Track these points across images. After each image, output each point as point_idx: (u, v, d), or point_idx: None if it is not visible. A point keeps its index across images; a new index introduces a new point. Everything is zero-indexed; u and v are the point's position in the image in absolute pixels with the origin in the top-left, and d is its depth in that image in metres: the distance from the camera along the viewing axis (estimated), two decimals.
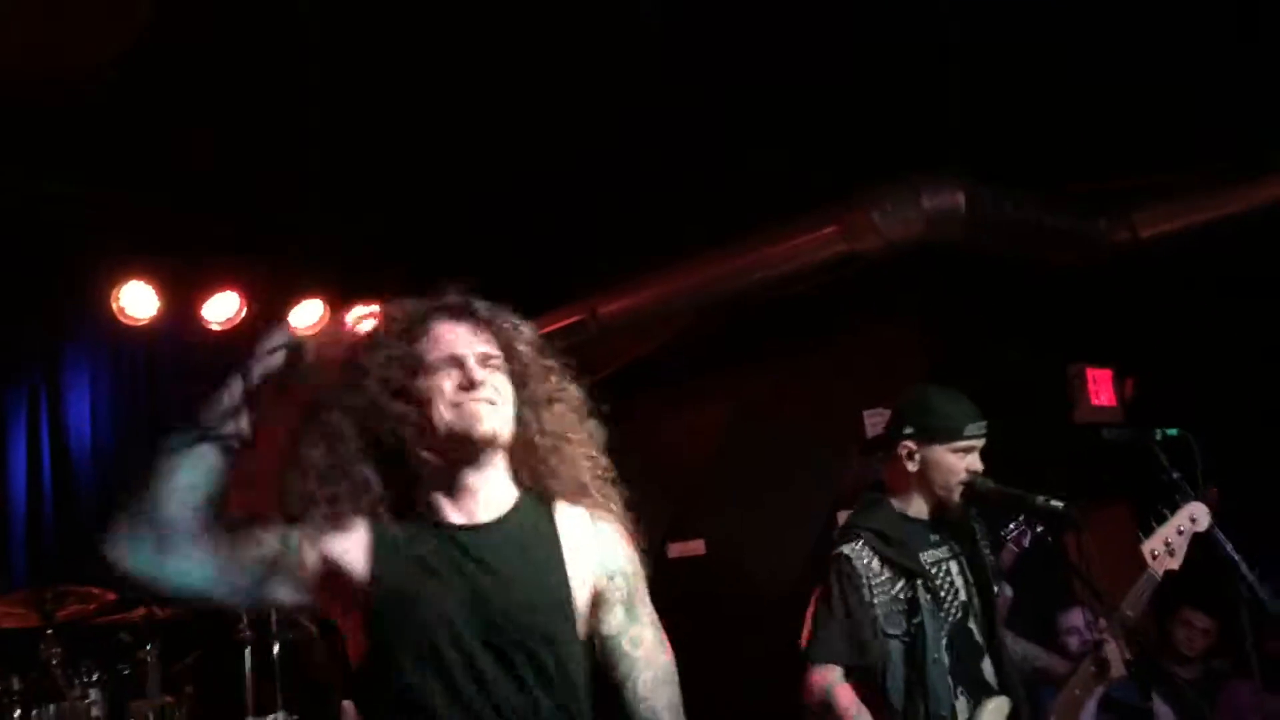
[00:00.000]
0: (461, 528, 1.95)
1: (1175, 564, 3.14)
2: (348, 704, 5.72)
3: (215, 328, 6.10)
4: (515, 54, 4.84)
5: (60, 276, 5.77)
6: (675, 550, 6.29)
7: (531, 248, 6.17)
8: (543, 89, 5.04)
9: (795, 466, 5.85)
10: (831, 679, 2.84)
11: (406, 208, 6.01)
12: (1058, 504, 2.93)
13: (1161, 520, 3.17)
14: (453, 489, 1.97)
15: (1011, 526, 3.60)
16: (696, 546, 6.22)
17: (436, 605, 1.85)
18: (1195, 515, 3.17)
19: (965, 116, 4.67)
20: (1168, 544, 3.13)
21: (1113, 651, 3.04)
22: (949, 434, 3.00)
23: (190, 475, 1.87)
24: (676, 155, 5.39)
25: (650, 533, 7.30)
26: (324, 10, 4.50)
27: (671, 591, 7.12)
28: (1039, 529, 3.62)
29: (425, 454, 1.95)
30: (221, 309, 6.10)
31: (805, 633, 2.96)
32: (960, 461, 3.01)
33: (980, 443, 3.06)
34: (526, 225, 6.09)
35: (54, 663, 4.00)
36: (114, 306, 5.79)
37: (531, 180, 5.84)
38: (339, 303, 6.50)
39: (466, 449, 1.95)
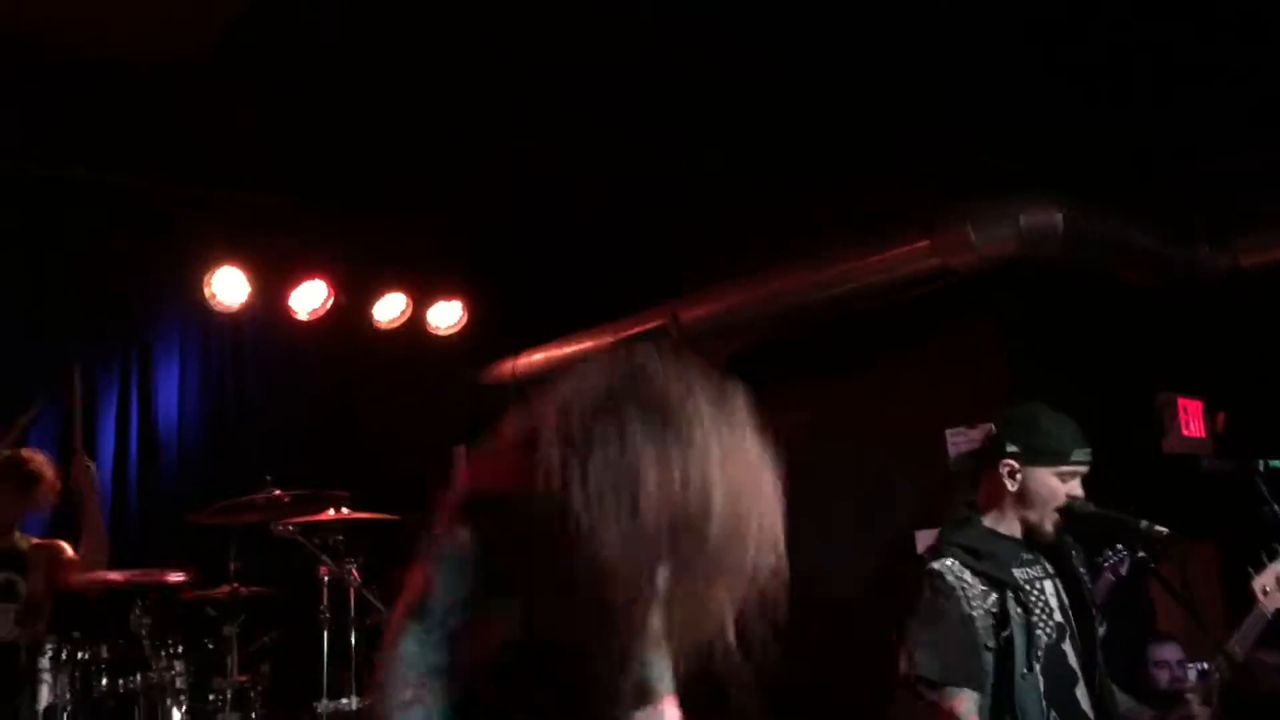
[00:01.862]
0: None
1: None
2: None
3: (302, 317, 6.22)
4: (603, 56, 4.87)
5: (155, 262, 5.91)
6: None
7: (617, 250, 6.20)
8: (629, 92, 5.07)
9: (871, 482, 5.80)
10: (965, 707, 2.74)
11: (491, 206, 6.07)
12: (1163, 530, 2.86)
13: (1274, 556, 3.06)
14: None
15: (1109, 554, 3.50)
16: None
17: None
18: None
19: (1066, 131, 4.62)
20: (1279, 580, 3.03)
21: (1200, 712, 2.95)
22: (1055, 456, 2.92)
23: None
24: (767, 162, 5.39)
25: None
26: (415, 6, 4.58)
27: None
28: (1139, 556, 3.51)
29: None
30: (309, 299, 6.21)
31: (908, 659, 2.86)
32: (1062, 486, 2.93)
33: (1084, 469, 2.98)
34: (612, 227, 6.12)
35: (142, 634, 4.07)
36: (205, 293, 5.91)
37: (618, 183, 5.87)
38: (424, 297, 6.60)
39: None
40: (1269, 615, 3.00)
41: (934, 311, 5.40)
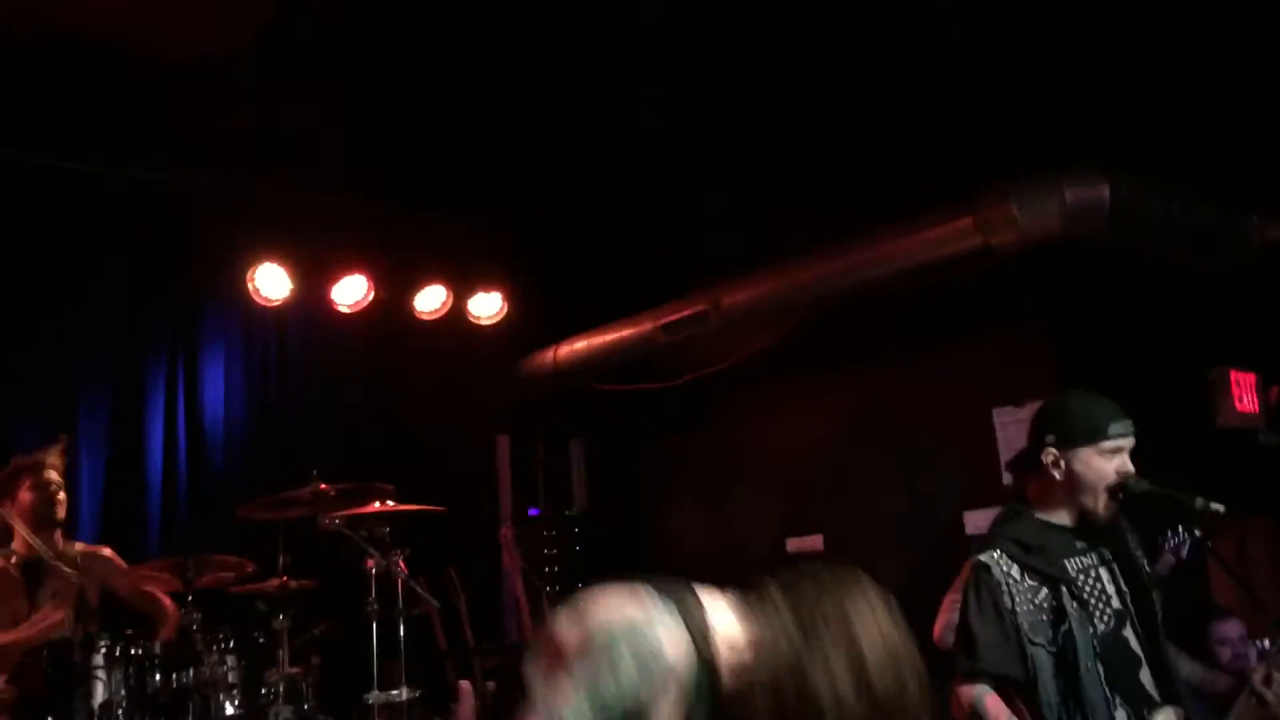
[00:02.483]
0: None
1: None
2: (464, 683, 5.81)
3: (344, 310, 6.26)
4: (639, 47, 4.84)
5: (199, 257, 5.97)
6: (793, 545, 6.24)
7: (657, 236, 6.17)
8: (671, 79, 5.03)
9: (918, 463, 5.75)
10: (977, 691, 2.76)
11: (530, 197, 6.07)
12: (1219, 507, 2.81)
13: None
14: None
15: (1171, 536, 3.44)
16: (815, 541, 6.16)
17: None
18: None
19: (1111, 105, 4.53)
20: None
21: (1275, 683, 2.90)
22: (1092, 435, 2.88)
23: None
24: (809, 145, 5.33)
25: (768, 526, 7.32)
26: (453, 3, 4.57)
27: None
28: (1196, 534, 3.45)
29: None
30: (350, 292, 6.25)
31: (940, 635, 2.88)
32: (1108, 464, 2.90)
33: (1128, 443, 2.94)
34: (652, 213, 6.09)
35: (194, 628, 4.12)
36: (249, 287, 5.97)
37: (657, 169, 5.84)
38: (464, 288, 6.62)
39: None
40: None
41: (980, 291, 5.33)
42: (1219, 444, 5.15)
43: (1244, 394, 5.46)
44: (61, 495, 4.46)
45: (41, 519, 4.41)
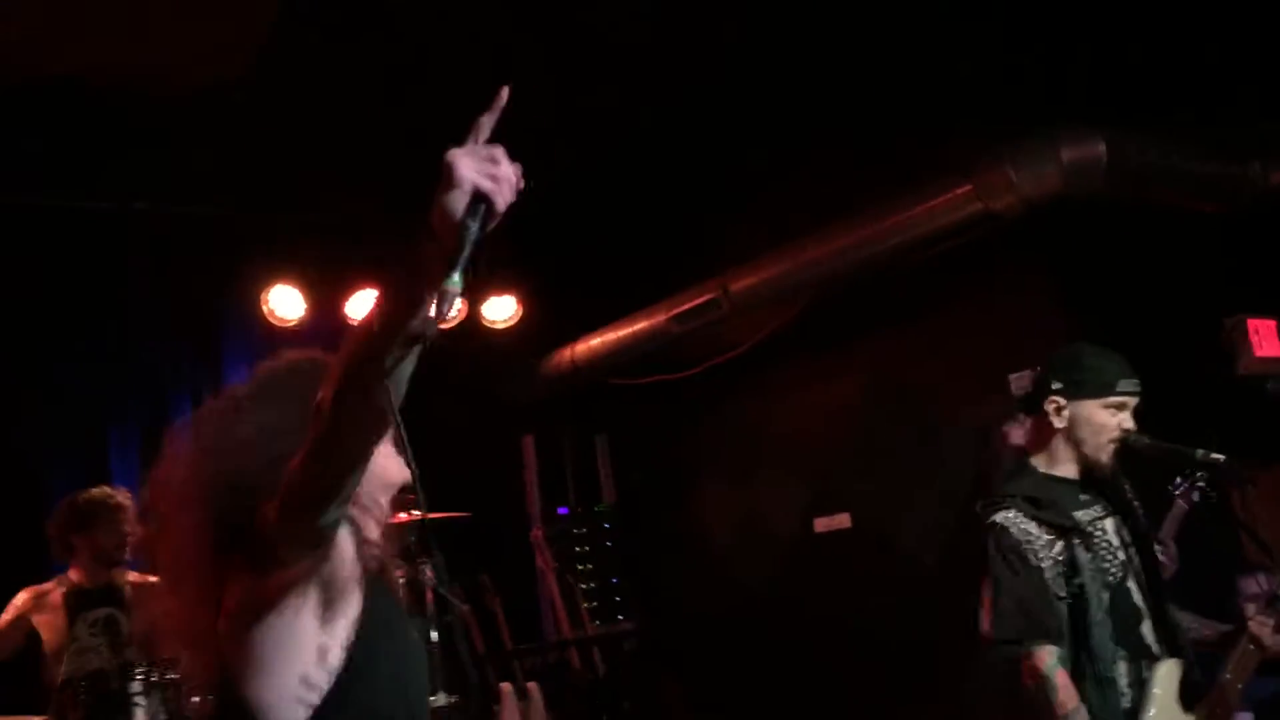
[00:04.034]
0: None
1: None
2: (505, 685, 5.87)
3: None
4: (640, 32, 4.86)
5: (218, 284, 6.06)
6: (821, 525, 6.24)
7: (664, 228, 6.19)
8: (671, 63, 5.05)
9: (939, 434, 5.74)
10: (1050, 663, 2.75)
11: (535, 199, 6.10)
12: (1218, 456, 2.81)
13: None
14: None
15: (1179, 481, 3.41)
16: (842, 520, 6.16)
17: None
18: None
19: (1101, 58, 4.49)
20: None
21: (1262, 626, 2.90)
22: (1100, 389, 2.90)
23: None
24: (802, 125, 5.34)
25: (795, 508, 7.31)
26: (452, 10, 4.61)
27: (820, 566, 7.12)
28: (1202, 485, 3.42)
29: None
30: (364, 307, 6.31)
31: (987, 620, 2.86)
32: (1112, 418, 2.92)
33: (1134, 400, 2.95)
34: (657, 206, 6.11)
35: None
36: (264, 310, 6.05)
37: (660, 161, 5.86)
38: (478, 295, 6.67)
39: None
40: None
41: (988, 257, 5.30)
42: (1241, 393, 5.10)
43: (1263, 340, 5.40)
44: (132, 536, 4.55)
45: (110, 559, 4.54)
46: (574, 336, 6.88)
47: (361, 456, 1.59)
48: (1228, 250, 5.10)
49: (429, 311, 1.40)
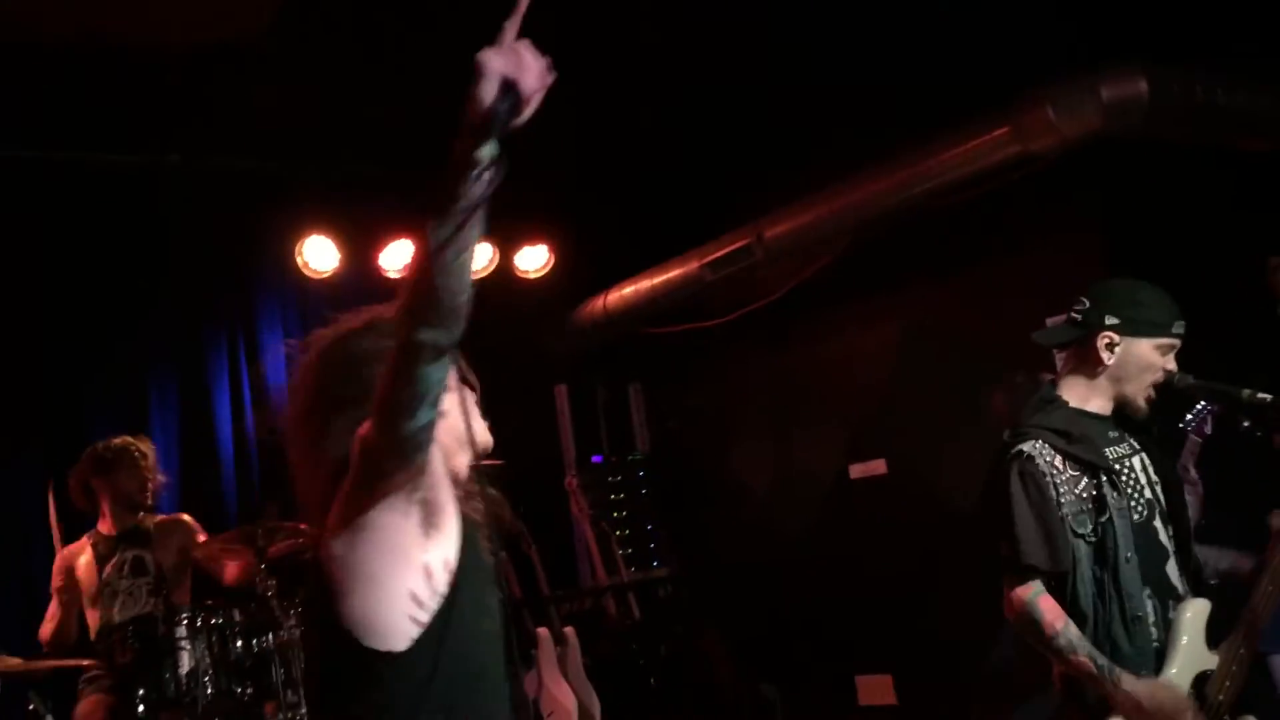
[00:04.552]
0: None
1: None
2: (542, 630, 5.93)
3: (393, 275, 6.33)
4: None
5: (250, 238, 6.08)
6: (856, 471, 6.24)
7: (697, 175, 6.14)
8: (703, 13, 4.98)
9: (975, 380, 5.68)
10: (1031, 592, 2.73)
11: (566, 147, 6.06)
12: (1265, 396, 2.77)
13: None
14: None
15: (1190, 417, 3.34)
16: (878, 466, 6.15)
17: None
18: None
19: None
20: None
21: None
22: (1156, 328, 2.85)
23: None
24: (834, 70, 5.25)
25: (830, 454, 7.29)
26: None
27: (855, 512, 7.11)
28: (1211, 408, 3.34)
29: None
30: (398, 257, 6.32)
31: (1007, 544, 2.83)
32: (1160, 359, 2.87)
33: (1179, 343, 2.91)
34: (690, 152, 6.06)
35: (269, 595, 4.26)
36: (298, 261, 6.07)
37: (693, 107, 5.79)
38: (510, 245, 6.65)
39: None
40: None
41: (1027, 199, 5.23)
42: None
43: None
44: (154, 482, 4.66)
45: (134, 504, 4.66)
46: (606, 285, 6.87)
47: (438, 353, 1.63)
48: (1274, 188, 5.00)
49: (473, 184, 1.56)
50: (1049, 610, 2.70)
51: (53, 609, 4.65)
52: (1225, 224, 5.10)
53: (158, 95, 5.22)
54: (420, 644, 1.75)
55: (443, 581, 1.78)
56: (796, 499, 6.49)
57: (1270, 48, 4.73)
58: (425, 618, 1.75)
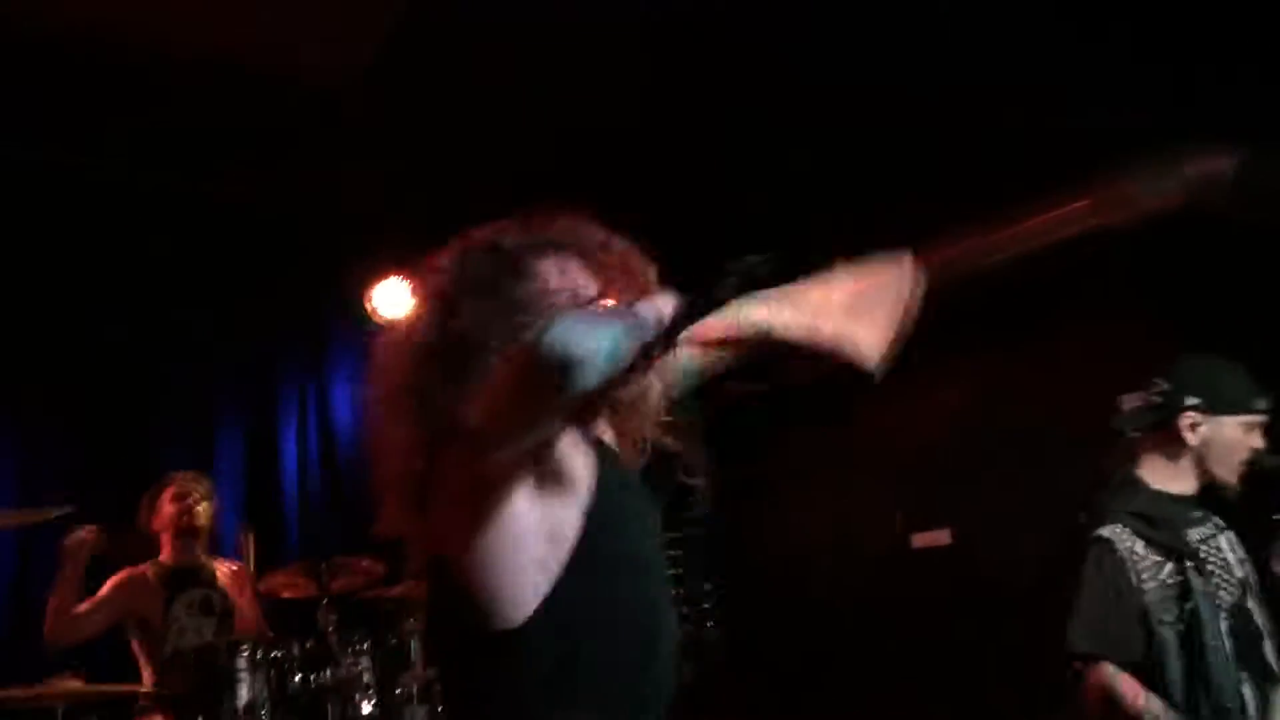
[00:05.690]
0: None
1: None
2: None
3: None
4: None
5: (324, 281, 6.19)
6: (920, 540, 6.15)
7: (758, 225, 6.16)
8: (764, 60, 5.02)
9: (1045, 453, 5.61)
10: (1108, 672, 2.69)
11: (630, 187, 6.12)
12: None
13: None
14: None
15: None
16: (941, 536, 6.06)
17: None
18: None
19: (1232, 67, 4.37)
20: None
21: None
22: (1239, 406, 2.82)
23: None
24: (905, 132, 5.28)
25: (889, 519, 7.17)
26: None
27: (917, 583, 7.00)
28: None
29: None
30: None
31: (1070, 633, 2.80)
32: (1246, 437, 2.83)
33: (1265, 419, 2.87)
34: (749, 209, 6.08)
35: (330, 630, 4.28)
36: (367, 307, 6.16)
37: (758, 170, 5.83)
38: None
39: None
40: None
41: (1101, 273, 5.18)
42: None
43: None
44: (201, 507, 4.73)
45: (181, 528, 4.71)
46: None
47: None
48: None
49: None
50: (1129, 685, 2.65)
51: (79, 607, 4.56)
52: None
53: (233, 136, 5.35)
54: (552, 600, 1.69)
55: (570, 541, 1.72)
56: (854, 567, 6.41)
57: None
58: (547, 583, 1.69)
